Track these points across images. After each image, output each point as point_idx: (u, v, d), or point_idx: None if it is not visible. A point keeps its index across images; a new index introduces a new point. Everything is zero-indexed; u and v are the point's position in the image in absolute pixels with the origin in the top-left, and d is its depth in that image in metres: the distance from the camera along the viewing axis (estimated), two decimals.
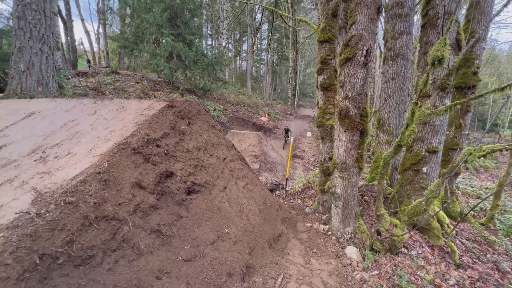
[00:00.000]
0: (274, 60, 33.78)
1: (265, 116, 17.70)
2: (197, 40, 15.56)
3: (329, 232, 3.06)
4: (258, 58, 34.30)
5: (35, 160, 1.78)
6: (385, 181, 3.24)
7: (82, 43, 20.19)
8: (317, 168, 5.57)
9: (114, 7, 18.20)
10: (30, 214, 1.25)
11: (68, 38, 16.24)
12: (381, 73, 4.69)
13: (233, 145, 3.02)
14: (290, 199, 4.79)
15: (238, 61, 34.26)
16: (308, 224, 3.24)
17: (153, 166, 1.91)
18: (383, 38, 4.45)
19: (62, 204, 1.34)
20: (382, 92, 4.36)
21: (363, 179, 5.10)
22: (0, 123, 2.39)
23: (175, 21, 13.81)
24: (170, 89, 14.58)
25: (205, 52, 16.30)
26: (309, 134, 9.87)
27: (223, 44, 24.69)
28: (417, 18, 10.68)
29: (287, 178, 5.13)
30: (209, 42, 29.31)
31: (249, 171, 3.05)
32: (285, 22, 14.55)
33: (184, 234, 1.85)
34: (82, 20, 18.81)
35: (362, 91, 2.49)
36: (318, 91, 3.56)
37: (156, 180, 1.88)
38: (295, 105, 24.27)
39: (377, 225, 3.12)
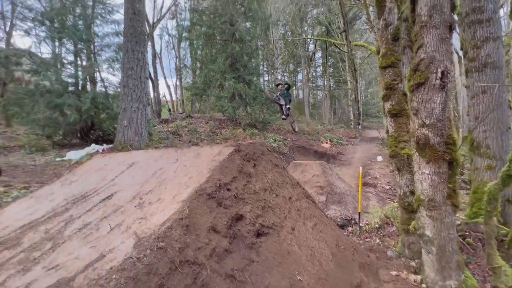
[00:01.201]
0: (331, 85, 33.29)
1: (326, 143, 17.07)
2: (255, 79, 16.90)
3: (424, 285, 2.53)
4: (314, 85, 34.51)
5: (135, 206, 2.16)
6: (495, 219, 2.57)
7: (164, 96, 24.59)
8: (395, 201, 4.87)
9: (188, 64, 21.88)
10: (132, 258, 1.49)
11: (155, 93, 20.12)
12: (465, 86, 4.03)
13: (297, 182, 2.99)
14: (366, 238, 4.25)
15: (294, 91, 35.21)
16: (394, 272, 2.77)
17: (225, 210, 2.05)
18: (461, 49, 3.89)
19: (155, 249, 1.56)
20: (470, 109, 3.68)
21: (462, 214, 4.16)
22: (112, 174, 3.04)
23: (235, 65, 15.47)
24: (233, 125, 15.87)
25: (262, 88, 17.44)
26: (379, 158, 8.92)
27: (279, 77, 26.03)
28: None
29: (359, 212, 4.64)
30: (266, 78, 31.39)
31: (316, 210, 2.91)
32: (339, 49, 14.48)
33: (256, 281, 1.85)
34: (165, 77, 23.18)
35: (443, 116, 2.17)
36: (387, 118, 3.28)
37: (228, 224, 2.00)
38: (359, 128, 22.70)
39: (493, 279, 2.42)
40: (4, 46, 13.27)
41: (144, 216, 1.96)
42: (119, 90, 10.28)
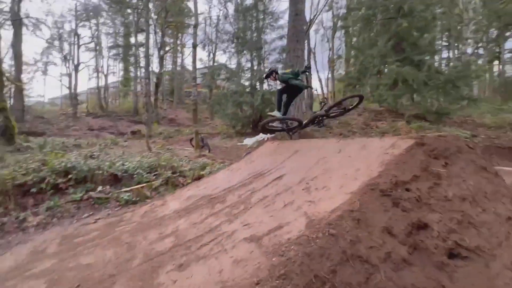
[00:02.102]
0: None
1: None
2: (427, 58, 13.38)
3: None
4: None
5: (303, 189, 2.33)
6: None
7: (316, 89, 25.44)
8: None
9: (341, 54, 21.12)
10: (307, 237, 1.60)
11: (308, 87, 21.26)
12: None
13: None
14: None
15: (496, 68, 24.36)
16: None
17: (402, 213, 1.73)
18: None
19: (327, 234, 1.58)
20: None
21: None
22: (281, 158, 3.51)
23: (400, 46, 12.98)
24: (393, 117, 13.60)
25: (440, 68, 13.50)
26: None
27: (468, 51, 18.99)
28: None
29: None
30: (445, 55, 23.94)
31: None
32: None
33: None
34: (317, 71, 23.83)
35: None
36: None
37: (407, 230, 1.67)
38: None
39: None
40: (211, 64, 19.18)
41: (313, 200, 2.07)
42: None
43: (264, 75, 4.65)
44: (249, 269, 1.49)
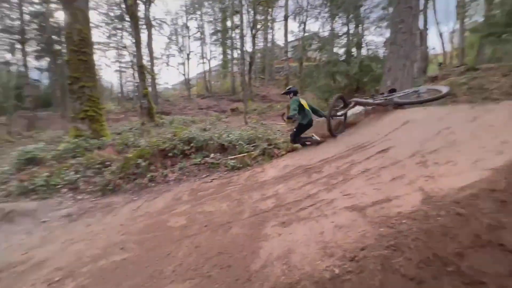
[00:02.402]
0: None
1: None
2: None
3: None
4: None
5: (416, 163, 2.03)
6: None
7: (433, 48, 20.16)
8: None
9: None
10: (424, 212, 1.42)
11: (421, 47, 17.08)
12: None
13: None
14: None
15: None
16: None
17: None
18: None
19: (453, 213, 1.34)
20: None
21: None
22: (386, 129, 3.12)
23: None
24: None
25: None
26: None
27: None
28: None
29: None
30: None
31: None
32: None
33: None
34: (437, 24, 18.63)
35: None
36: None
37: None
38: None
39: None
40: (302, 35, 18.32)
41: (431, 175, 1.77)
42: (381, 52, 10.05)
43: (282, 91, 4.96)
44: (352, 235, 1.49)
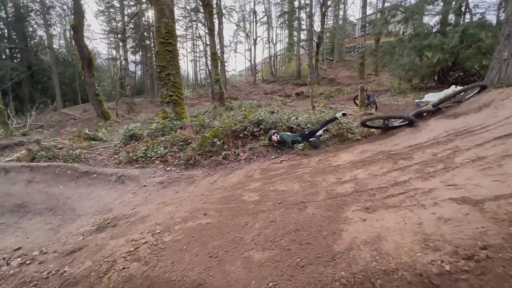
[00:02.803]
0: None
1: None
2: None
3: None
4: None
5: None
6: None
7: None
8: None
9: None
10: None
11: None
12: None
13: None
14: None
15: None
16: None
17: None
18: None
19: None
20: None
21: None
22: (507, 111, 2.44)
23: None
24: None
25: None
26: None
27: None
28: None
29: None
30: None
31: None
32: None
33: None
34: None
35: None
36: None
37: None
38: None
39: None
40: (382, 5, 15.85)
41: None
42: (492, 17, 7.78)
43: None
44: (466, 231, 1.23)
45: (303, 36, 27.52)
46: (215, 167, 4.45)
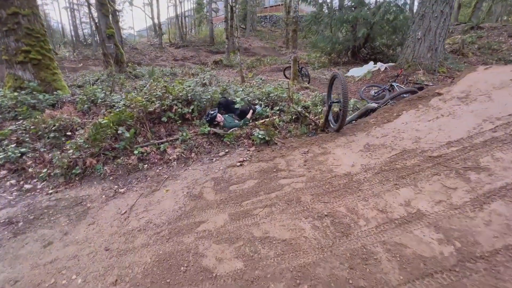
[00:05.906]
0: None
1: None
2: None
3: None
4: None
5: None
6: None
7: None
8: None
9: None
10: None
11: None
12: None
13: None
14: None
15: None
16: None
17: None
18: None
19: None
20: None
21: None
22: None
23: None
24: None
25: None
26: None
27: None
28: None
29: None
30: None
31: None
32: None
33: None
34: None
35: None
36: None
37: None
38: None
39: None
40: None
41: None
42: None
43: None
44: None
45: None
46: (125, 178, 2.67)
